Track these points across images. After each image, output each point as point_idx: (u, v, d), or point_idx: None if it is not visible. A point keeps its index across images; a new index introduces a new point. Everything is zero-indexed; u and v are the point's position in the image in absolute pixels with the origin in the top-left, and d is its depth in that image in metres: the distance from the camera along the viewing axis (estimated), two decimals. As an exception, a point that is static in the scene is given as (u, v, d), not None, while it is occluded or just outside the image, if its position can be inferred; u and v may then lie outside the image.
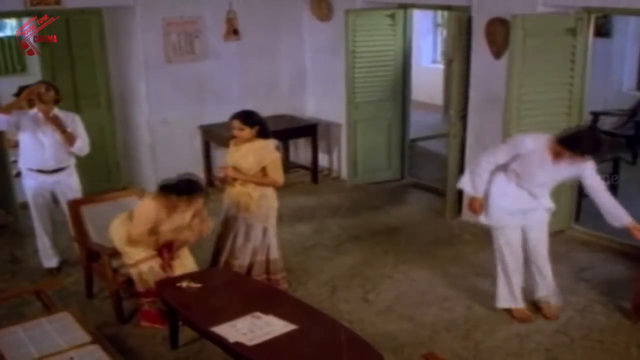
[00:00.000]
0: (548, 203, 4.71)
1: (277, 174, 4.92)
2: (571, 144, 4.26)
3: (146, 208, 4.55)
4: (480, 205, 4.66)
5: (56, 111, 5.32)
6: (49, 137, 5.27)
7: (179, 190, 4.44)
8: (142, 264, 4.55)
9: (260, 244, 5.00)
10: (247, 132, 4.86)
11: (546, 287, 4.83)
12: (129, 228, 4.56)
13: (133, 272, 4.59)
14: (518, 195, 4.59)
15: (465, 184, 4.72)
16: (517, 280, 4.78)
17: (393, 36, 7.40)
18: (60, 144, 5.30)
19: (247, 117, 4.88)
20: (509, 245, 4.69)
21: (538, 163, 4.43)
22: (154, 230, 4.54)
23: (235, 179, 4.91)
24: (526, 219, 4.67)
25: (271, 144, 4.95)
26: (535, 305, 4.91)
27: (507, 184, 4.60)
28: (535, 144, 4.42)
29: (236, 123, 4.88)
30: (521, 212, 4.63)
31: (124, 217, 4.70)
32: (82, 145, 5.41)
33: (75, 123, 5.43)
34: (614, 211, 4.47)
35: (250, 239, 4.96)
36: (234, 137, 5.06)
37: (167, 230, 4.57)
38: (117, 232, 4.65)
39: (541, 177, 4.51)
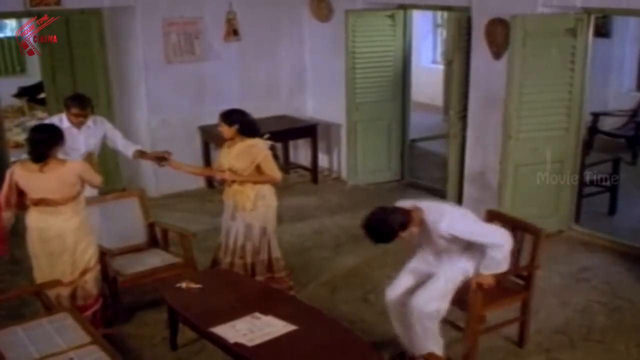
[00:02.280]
0: (465, 265, 4.06)
1: (272, 170, 4.91)
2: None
3: (84, 163, 4.56)
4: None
5: (89, 122, 5.31)
6: (80, 146, 5.24)
7: (61, 134, 4.41)
8: (98, 263, 4.59)
9: (260, 243, 5.00)
10: (226, 129, 4.89)
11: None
12: (99, 184, 4.57)
13: (92, 275, 4.53)
14: (421, 256, 4.24)
15: None
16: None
17: (393, 37, 7.40)
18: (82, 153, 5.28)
19: (227, 116, 4.91)
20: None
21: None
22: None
23: (233, 181, 4.91)
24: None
25: (261, 142, 4.93)
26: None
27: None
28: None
29: (219, 119, 4.94)
30: (419, 273, 4.19)
31: (78, 211, 4.43)
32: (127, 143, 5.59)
33: (105, 125, 5.47)
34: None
35: (249, 238, 4.96)
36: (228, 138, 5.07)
37: None
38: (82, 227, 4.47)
39: (422, 245, 4.16)
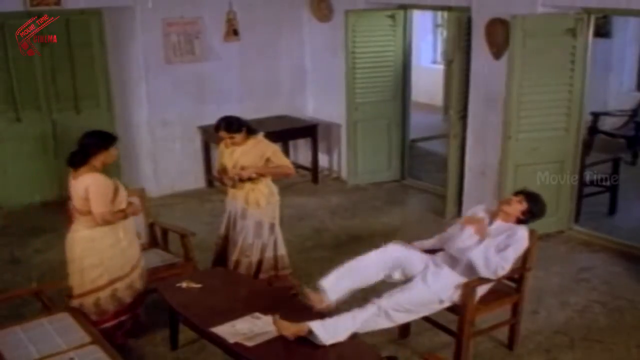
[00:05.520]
0: (446, 293, 4.12)
1: (284, 160, 4.98)
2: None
3: (101, 182, 4.17)
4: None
5: None
6: None
7: (105, 143, 4.26)
8: (116, 283, 4.41)
9: (268, 240, 5.02)
10: (239, 137, 4.87)
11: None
12: (96, 215, 4.17)
13: (105, 294, 4.39)
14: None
15: None
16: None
17: (393, 37, 7.40)
18: None
19: (231, 126, 4.83)
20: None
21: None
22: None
23: (250, 178, 4.87)
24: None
25: (261, 137, 4.98)
26: None
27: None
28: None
29: (224, 134, 4.85)
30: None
31: (84, 224, 4.28)
32: None
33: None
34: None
35: (259, 236, 4.98)
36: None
37: (122, 196, 4.35)
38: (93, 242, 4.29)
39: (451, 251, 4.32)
